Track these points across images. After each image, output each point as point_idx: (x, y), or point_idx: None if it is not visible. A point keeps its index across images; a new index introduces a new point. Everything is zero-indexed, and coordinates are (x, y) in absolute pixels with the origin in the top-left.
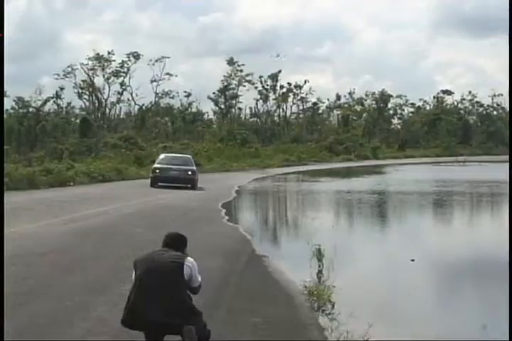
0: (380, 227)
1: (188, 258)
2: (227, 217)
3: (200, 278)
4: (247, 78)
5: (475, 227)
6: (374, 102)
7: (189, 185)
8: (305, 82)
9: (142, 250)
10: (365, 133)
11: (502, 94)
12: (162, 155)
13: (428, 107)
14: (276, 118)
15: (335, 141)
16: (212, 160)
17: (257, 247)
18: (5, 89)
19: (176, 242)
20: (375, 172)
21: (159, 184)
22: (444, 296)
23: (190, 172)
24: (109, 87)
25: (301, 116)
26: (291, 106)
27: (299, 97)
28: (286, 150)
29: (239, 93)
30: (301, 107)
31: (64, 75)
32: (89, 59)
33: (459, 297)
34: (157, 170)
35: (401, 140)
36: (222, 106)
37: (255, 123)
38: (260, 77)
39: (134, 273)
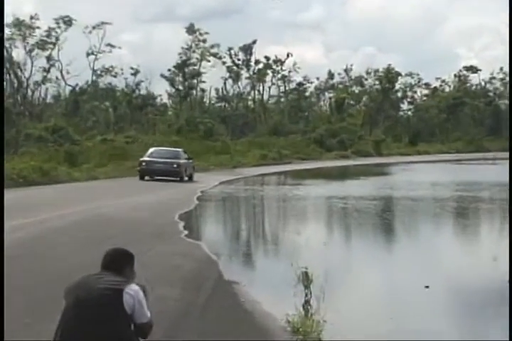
0: (383, 244)
1: (132, 284)
2: (186, 232)
3: (149, 314)
4: (212, 51)
5: (505, 246)
6: (377, 82)
7: (177, 178)
8: (287, 55)
9: (69, 279)
10: (366, 123)
11: None
12: (151, 149)
13: (447, 89)
14: (250, 102)
15: (326, 132)
16: None
17: (225, 271)
18: None
19: (117, 262)
20: (378, 173)
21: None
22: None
23: (175, 165)
24: (32, 63)
25: (282, 100)
26: (269, 88)
27: (279, 76)
28: (263, 145)
29: (202, 70)
30: (282, 89)
31: None
32: (6, 26)
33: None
34: (143, 163)
35: (412, 131)
36: (180, 88)
37: (223, 110)
38: (229, 49)
39: (64, 304)
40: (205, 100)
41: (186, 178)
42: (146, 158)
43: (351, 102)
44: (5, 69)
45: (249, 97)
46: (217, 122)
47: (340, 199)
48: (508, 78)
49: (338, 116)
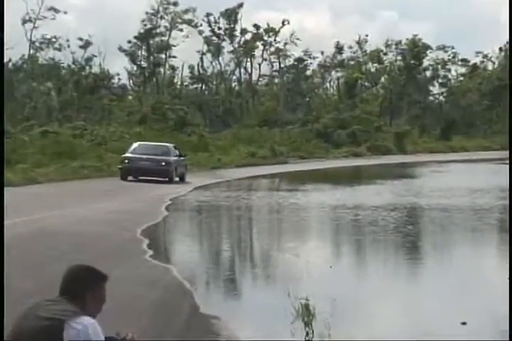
0: (406, 270)
1: (84, 317)
2: (151, 252)
3: None
4: (186, 17)
5: None
6: (400, 58)
7: (166, 178)
8: (283, 23)
9: None
10: (385, 111)
11: None
12: (135, 144)
13: (491, 66)
14: (234, 84)
15: (333, 123)
16: None
17: (202, 302)
18: None
19: (74, 284)
20: (400, 175)
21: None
22: None
23: (163, 163)
24: None
25: (276, 81)
26: (259, 65)
27: (272, 49)
28: (251, 139)
29: (172, 42)
30: (276, 66)
31: None
32: None
33: None
34: (126, 161)
35: (444, 122)
36: (144, 64)
37: (200, 94)
38: (208, 15)
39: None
40: (176, 81)
41: (177, 179)
42: (128, 155)
43: (366, 84)
44: None
45: (234, 77)
46: (191, 109)
47: (351, 210)
48: None
49: (349, 101)
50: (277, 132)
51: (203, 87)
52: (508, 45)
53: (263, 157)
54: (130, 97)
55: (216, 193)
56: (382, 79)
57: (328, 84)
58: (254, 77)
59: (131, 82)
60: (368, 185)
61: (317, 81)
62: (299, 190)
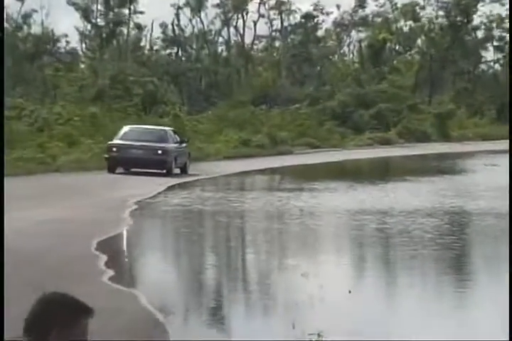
0: (450, 294)
1: None
2: (111, 272)
3: None
4: None
5: None
6: (442, 13)
7: (163, 170)
8: None
9: None
10: (422, 84)
11: None
12: (126, 128)
13: None
14: (221, 49)
15: (354, 100)
16: (78, 143)
17: (178, 337)
18: None
19: (38, 319)
20: (442, 169)
21: (119, 170)
22: None
23: (160, 152)
24: None
25: (277, 44)
26: (254, 23)
27: (272, 2)
28: (244, 122)
29: None
30: (277, 25)
31: None
32: None
33: None
34: (113, 149)
35: (502, 98)
36: (101, 22)
37: (174, 62)
38: None
39: None
40: (143, 44)
41: (177, 171)
42: (117, 141)
43: (397, 48)
44: None
45: (220, 40)
46: (164, 82)
47: (376, 216)
48: None
49: (374, 71)
50: (278, 113)
51: (180, 53)
52: None
53: (259, 146)
54: (82, 66)
55: (196, 194)
56: (419, 41)
57: (346, 49)
58: (248, 40)
59: (83, 45)
60: (398, 182)
61: (332, 44)
62: (305, 189)
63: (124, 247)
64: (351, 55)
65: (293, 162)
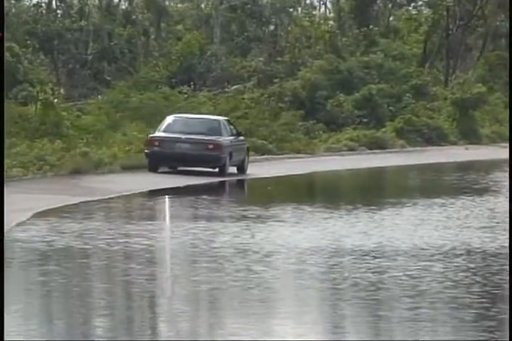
0: None
1: None
2: None
3: None
4: None
5: None
6: None
7: (215, 169)
8: None
9: None
10: (434, 53)
11: None
12: (170, 118)
13: None
14: None
15: (327, 78)
16: None
17: None
18: None
19: None
20: (470, 186)
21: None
22: None
23: (211, 146)
24: None
25: None
26: None
27: None
28: (153, 112)
29: None
30: None
31: None
32: None
33: None
34: (156, 143)
35: None
36: None
37: (45, 17)
38: None
39: None
40: None
41: (232, 169)
42: (159, 134)
43: None
44: None
45: None
46: (29, 49)
47: (379, 261)
48: None
49: (359, 33)
50: (208, 97)
51: (54, 3)
52: None
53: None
54: None
55: (76, 226)
56: None
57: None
58: None
59: None
60: (399, 207)
61: None
62: (244, 218)
63: None
64: (323, 8)
65: (226, 176)
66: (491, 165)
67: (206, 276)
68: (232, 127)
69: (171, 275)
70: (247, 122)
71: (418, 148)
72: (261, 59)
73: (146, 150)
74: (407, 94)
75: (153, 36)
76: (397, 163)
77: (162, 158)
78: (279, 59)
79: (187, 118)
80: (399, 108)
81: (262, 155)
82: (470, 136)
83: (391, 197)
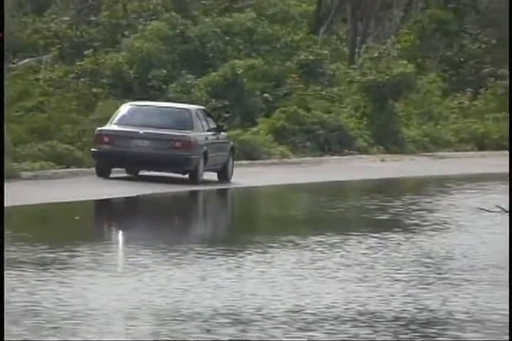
0: None
1: None
2: None
3: None
4: None
5: None
6: None
7: (185, 174)
8: None
9: None
10: (333, 9)
11: None
12: (126, 106)
13: None
14: None
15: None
16: None
17: None
18: None
19: None
20: (385, 219)
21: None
22: None
23: (178, 144)
24: None
25: None
26: None
27: None
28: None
29: None
30: None
31: None
32: None
33: None
34: (106, 139)
35: None
36: None
37: None
38: None
39: None
40: None
41: (210, 175)
42: (111, 127)
43: None
44: None
45: None
46: None
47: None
48: None
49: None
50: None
51: None
52: None
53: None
54: None
55: None
56: None
57: None
58: None
59: None
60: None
61: None
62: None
63: None
64: None
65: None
66: (416, 186)
67: None
68: (209, 119)
69: None
70: (43, 117)
71: (308, 159)
72: (65, 18)
73: (93, 149)
74: (292, 75)
75: None
76: (271, 182)
77: (114, 159)
78: (92, 18)
79: (148, 106)
80: (279, 96)
81: (68, 167)
82: (387, 141)
83: (311, 229)
